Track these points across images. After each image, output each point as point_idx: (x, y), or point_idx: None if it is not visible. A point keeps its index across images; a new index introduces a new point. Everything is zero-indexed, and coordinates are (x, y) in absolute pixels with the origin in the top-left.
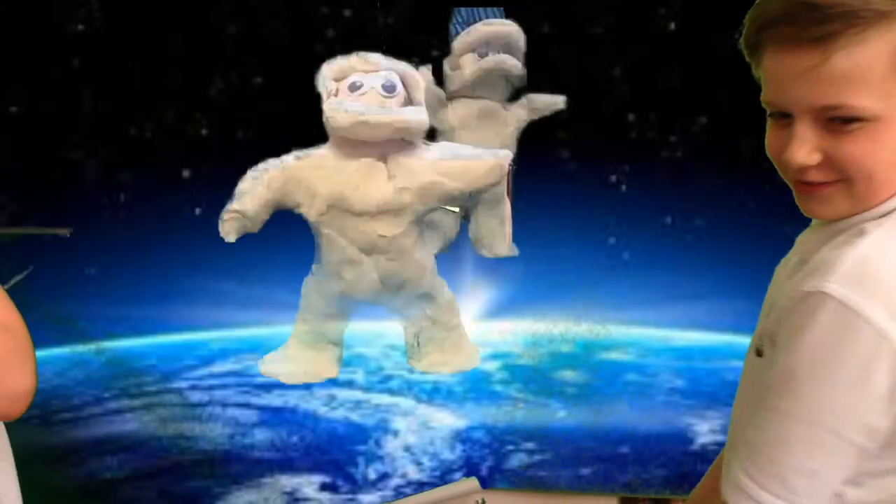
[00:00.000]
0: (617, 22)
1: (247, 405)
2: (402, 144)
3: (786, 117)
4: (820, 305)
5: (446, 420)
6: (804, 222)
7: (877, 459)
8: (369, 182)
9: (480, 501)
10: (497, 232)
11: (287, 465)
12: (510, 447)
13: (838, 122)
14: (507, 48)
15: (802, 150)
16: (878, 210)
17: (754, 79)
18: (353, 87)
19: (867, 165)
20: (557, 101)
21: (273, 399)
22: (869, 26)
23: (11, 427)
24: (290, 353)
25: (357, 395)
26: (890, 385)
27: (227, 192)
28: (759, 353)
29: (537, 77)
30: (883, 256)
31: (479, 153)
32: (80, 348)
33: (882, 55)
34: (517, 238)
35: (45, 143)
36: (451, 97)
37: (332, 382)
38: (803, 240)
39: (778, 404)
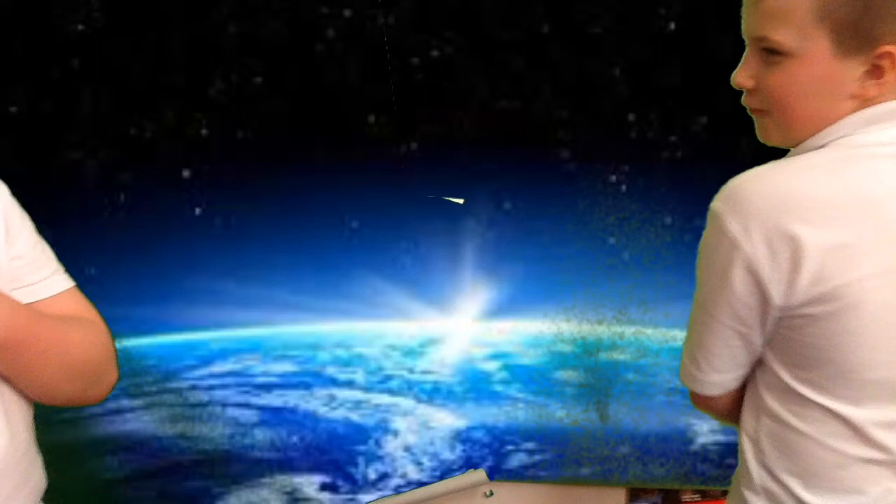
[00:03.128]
0: (617, 22)
1: (247, 405)
2: None
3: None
4: (708, 218)
5: (446, 420)
6: None
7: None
8: None
9: (488, 493)
10: None
11: (287, 465)
12: (510, 447)
13: (767, 53)
14: None
15: (742, 73)
16: (813, 142)
17: None
18: None
19: (782, 96)
20: None
21: (273, 399)
22: None
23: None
24: None
25: (357, 395)
26: (742, 281)
27: (227, 192)
28: None
29: (537, 77)
30: (762, 177)
31: None
32: None
33: (805, 1)
34: (517, 238)
35: (45, 143)
36: None
37: (332, 382)
38: None
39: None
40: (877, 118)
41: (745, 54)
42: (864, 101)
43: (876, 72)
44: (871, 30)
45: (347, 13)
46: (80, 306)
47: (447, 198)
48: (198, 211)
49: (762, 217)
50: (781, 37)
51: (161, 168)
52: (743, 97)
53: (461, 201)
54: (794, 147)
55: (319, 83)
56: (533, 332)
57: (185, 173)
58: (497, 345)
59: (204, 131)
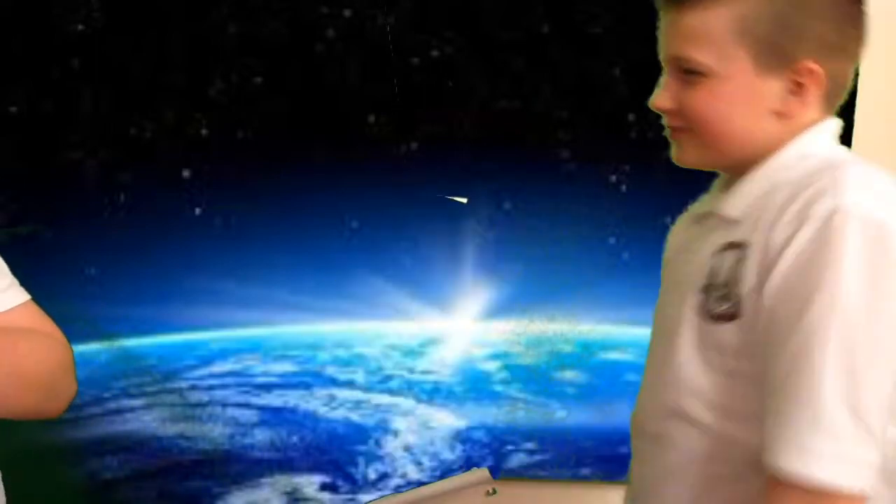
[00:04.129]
0: (617, 22)
1: (247, 405)
2: None
3: None
4: (844, 225)
5: (446, 420)
6: None
7: None
8: None
9: (491, 491)
10: None
11: (287, 465)
12: (510, 447)
13: (686, 73)
14: None
15: (662, 95)
16: (788, 156)
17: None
18: None
19: (704, 116)
20: None
21: (273, 399)
22: None
23: (12, 427)
24: None
25: (357, 395)
26: None
27: (227, 193)
28: (720, 317)
29: (537, 77)
30: (868, 174)
31: None
32: (80, 348)
33: (723, 20)
34: (517, 238)
35: (45, 143)
36: None
37: (332, 382)
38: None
39: (812, 339)
40: (833, 135)
41: (662, 77)
42: (788, 119)
43: (798, 89)
44: (790, 47)
45: (347, 13)
46: (36, 320)
47: (447, 198)
48: (198, 211)
49: None
50: (702, 57)
51: (161, 168)
52: (664, 119)
53: (462, 200)
54: (712, 168)
55: (319, 83)
56: (533, 332)
57: (185, 173)
58: (497, 345)
59: (204, 131)
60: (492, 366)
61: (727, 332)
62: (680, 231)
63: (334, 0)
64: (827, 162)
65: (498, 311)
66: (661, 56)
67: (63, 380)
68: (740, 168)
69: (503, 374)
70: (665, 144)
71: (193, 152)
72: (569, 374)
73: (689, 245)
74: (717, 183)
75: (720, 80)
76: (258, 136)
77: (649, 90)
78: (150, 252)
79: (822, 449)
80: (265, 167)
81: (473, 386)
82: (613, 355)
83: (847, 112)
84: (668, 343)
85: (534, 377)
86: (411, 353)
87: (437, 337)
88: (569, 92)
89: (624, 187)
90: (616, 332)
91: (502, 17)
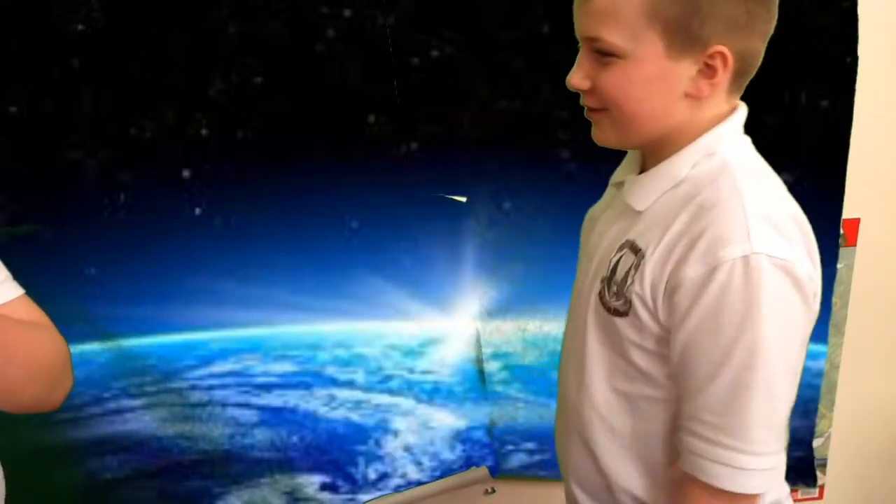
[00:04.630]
0: None
1: (247, 405)
2: None
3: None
4: (759, 272)
5: (446, 420)
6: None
7: None
8: None
9: (490, 490)
10: None
11: (287, 465)
12: (510, 447)
13: (600, 54)
14: None
15: (577, 75)
16: (688, 157)
17: (752, 76)
18: None
19: (618, 96)
20: None
21: (273, 399)
22: None
23: (11, 427)
24: None
25: (357, 395)
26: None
27: (227, 192)
28: (615, 311)
29: (537, 77)
30: (764, 201)
31: None
32: (80, 348)
33: (634, 1)
34: (517, 238)
35: (45, 143)
36: None
37: (332, 382)
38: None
39: (742, 376)
40: (740, 128)
41: (578, 55)
42: (699, 101)
43: (708, 71)
44: (701, 30)
45: (347, 13)
46: (33, 313)
47: (447, 198)
48: (198, 211)
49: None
50: (613, 38)
51: (161, 168)
52: (581, 98)
53: (462, 199)
54: (630, 148)
55: (319, 83)
56: (533, 332)
57: (185, 173)
58: (497, 345)
59: (204, 131)
60: (492, 366)
61: (620, 324)
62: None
63: (334, 0)
64: (724, 166)
65: (498, 311)
66: (577, 34)
67: (65, 370)
68: (657, 147)
69: (503, 374)
70: None
71: (193, 152)
72: None
73: (603, 216)
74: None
75: (632, 61)
76: (258, 136)
77: None
78: (150, 252)
79: (753, 466)
80: (265, 167)
81: (473, 386)
82: None
83: (846, 112)
84: (578, 318)
85: (533, 377)
86: (411, 353)
87: (437, 337)
88: (569, 92)
89: None
90: None
91: (502, 17)
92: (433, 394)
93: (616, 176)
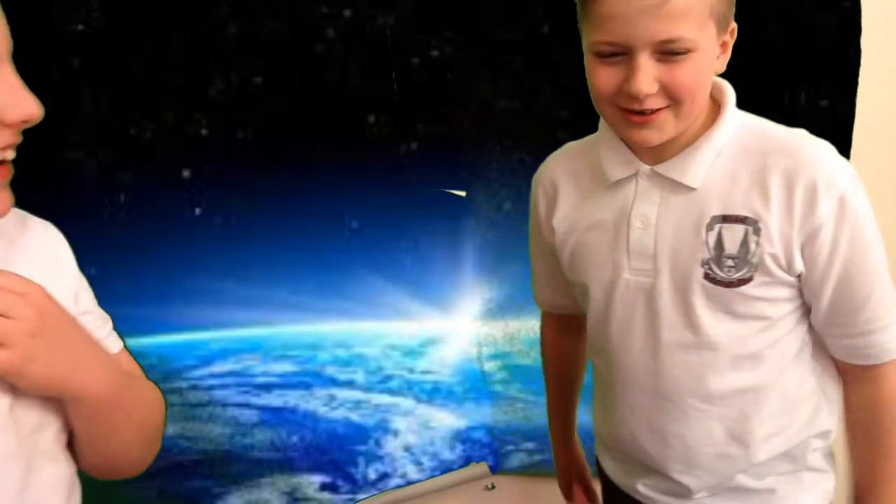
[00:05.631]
0: None
1: (247, 405)
2: None
3: (616, 55)
4: (854, 194)
5: (446, 420)
6: None
7: None
8: None
9: (490, 486)
10: None
11: (287, 465)
12: (510, 447)
13: (668, 54)
14: None
15: (645, 81)
16: (723, 131)
17: (752, 76)
18: None
19: (693, 87)
20: None
21: (273, 399)
22: None
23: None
24: None
25: (357, 395)
26: None
27: (227, 192)
28: (738, 282)
29: (537, 77)
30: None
31: None
32: None
33: None
34: (517, 238)
35: (45, 143)
36: None
37: (332, 382)
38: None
39: (865, 272)
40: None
41: (634, 64)
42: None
43: (725, 47)
44: (731, 10)
45: (347, 13)
46: (132, 365)
47: (447, 198)
48: (198, 211)
49: None
50: (692, 34)
51: (161, 168)
52: (642, 103)
53: (462, 194)
54: (670, 137)
55: (319, 83)
56: (533, 332)
57: (185, 173)
58: (497, 345)
59: (204, 131)
60: (492, 366)
61: (744, 290)
62: (572, 196)
63: (334, 0)
64: (752, 122)
65: (498, 311)
66: (631, 41)
67: (163, 429)
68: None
69: (503, 374)
70: None
71: (193, 152)
72: None
73: (634, 209)
74: (608, 146)
75: (701, 53)
76: (258, 136)
77: None
78: (150, 252)
79: None
80: (265, 167)
81: (473, 386)
82: None
83: (847, 112)
84: (676, 315)
85: (533, 377)
86: (411, 353)
87: (437, 337)
88: (569, 92)
89: None
90: None
91: (502, 17)
92: (433, 394)
93: (614, 175)
